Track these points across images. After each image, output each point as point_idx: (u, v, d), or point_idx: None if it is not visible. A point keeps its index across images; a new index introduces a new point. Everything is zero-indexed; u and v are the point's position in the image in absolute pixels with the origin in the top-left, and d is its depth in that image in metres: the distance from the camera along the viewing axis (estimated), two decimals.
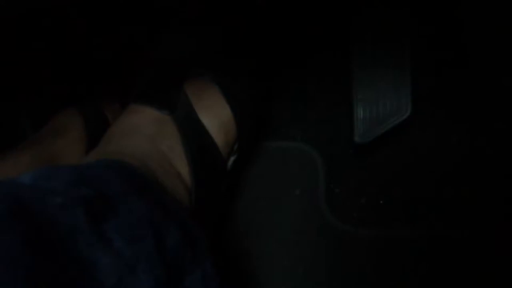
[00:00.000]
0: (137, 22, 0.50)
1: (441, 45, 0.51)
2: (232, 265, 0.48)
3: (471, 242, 0.48)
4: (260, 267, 0.49)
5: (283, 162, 0.51)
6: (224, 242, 0.49)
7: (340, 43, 0.51)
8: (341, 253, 0.49)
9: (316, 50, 0.52)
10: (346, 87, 0.50)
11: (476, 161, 0.50)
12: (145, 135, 0.40)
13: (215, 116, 0.43)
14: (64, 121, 0.47)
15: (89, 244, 0.25)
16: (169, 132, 0.41)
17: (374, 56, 0.50)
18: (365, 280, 0.48)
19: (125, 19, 0.49)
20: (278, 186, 0.51)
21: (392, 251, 0.48)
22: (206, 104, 0.43)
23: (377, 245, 0.49)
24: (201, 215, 0.40)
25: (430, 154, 0.50)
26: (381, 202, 0.50)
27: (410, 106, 0.48)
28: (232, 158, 0.46)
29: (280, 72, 0.53)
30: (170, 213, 0.32)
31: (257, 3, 0.50)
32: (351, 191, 0.50)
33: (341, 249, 0.49)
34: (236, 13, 0.48)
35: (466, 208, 0.49)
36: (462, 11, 0.50)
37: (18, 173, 0.41)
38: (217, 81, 0.44)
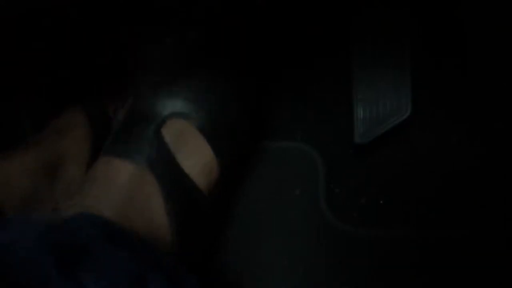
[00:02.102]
0: (138, 21, 0.50)
1: (441, 45, 0.51)
2: (232, 265, 0.48)
3: (471, 242, 0.48)
4: (260, 267, 0.49)
5: (283, 162, 0.51)
6: (224, 242, 0.49)
7: (340, 43, 0.51)
8: (341, 253, 0.49)
9: (316, 50, 0.52)
10: (346, 87, 0.50)
11: (476, 161, 0.50)
12: (122, 188, 0.38)
13: (196, 158, 0.41)
14: (69, 120, 0.47)
15: None
16: (147, 182, 0.39)
17: (374, 56, 0.50)
18: (365, 280, 0.48)
19: (125, 19, 0.49)
20: (278, 186, 0.50)
21: (392, 251, 0.48)
22: (186, 147, 0.41)
23: (377, 245, 0.49)
24: (188, 255, 0.40)
25: (430, 154, 0.50)
26: (381, 202, 0.50)
27: (410, 106, 0.48)
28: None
29: (280, 72, 0.53)
30: (150, 261, 0.32)
31: (257, 3, 0.50)
32: (351, 191, 0.50)
33: (341, 249, 0.49)
34: (236, 13, 0.48)
35: (466, 208, 0.49)
36: (462, 11, 0.50)
37: (23, 174, 0.42)
38: (196, 122, 0.41)
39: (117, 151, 0.40)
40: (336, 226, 0.49)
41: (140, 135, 0.40)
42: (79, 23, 0.48)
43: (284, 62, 0.53)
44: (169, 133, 0.41)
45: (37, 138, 0.45)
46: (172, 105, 0.41)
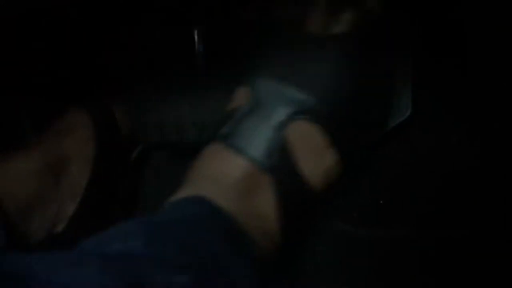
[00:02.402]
0: (138, 21, 0.50)
1: (441, 45, 0.51)
2: None
3: (471, 242, 0.48)
4: None
5: None
6: None
7: None
8: (341, 253, 0.49)
9: None
10: None
11: (476, 161, 0.50)
12: (236, 188, 0.35)
13: (318, 162, 0.38)
14: (72, 120, 0.47)
15: None
16: (261, 183, 0.36)
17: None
18: (365, 280, 0.48)
19: (126, 18, 0.49)
20: None
21: (392, 251, 0.48)
22: (308, 150, 0.37)
23: (377, 245, 0.49)
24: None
25: (430, 154, 0.50)
26: (381, 202, 0.50)
27: (410, 106, 0.48)
28: None
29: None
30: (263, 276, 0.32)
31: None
32: (351, 191, 0.50)
33: (341, 249, 0.49)
34: None
35: (466, 208, 0.49)
36: (462, 11, 0.50)
37: (27, 174, 0.41)
38: (322, 124, 0.37)
39: (234, 142, 0.37)
40: (336, 226, 0.49)
41: (260, 132, 0.37)
42: (79, 23, 0.48)
43: None
44: (291, 133, 0.37)
45: (40, 138, 0.45)
46: (301, 101, 0.37)
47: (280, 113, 0.37)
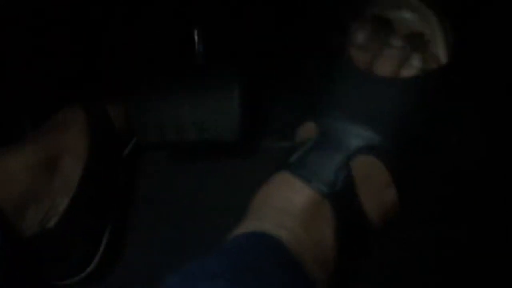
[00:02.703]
0: (138, 21, 0.50)
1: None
2: None
3: (471, 242, 0.48)
4: None
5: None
6: (221, 242, 0.49)
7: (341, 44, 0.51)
8: None
9: (315, 50, 0.52)
10: None
11: (476, 162, 0.50)
12: (300, 217, 0.36)
13: (379, 198, 0.39)
14: (67, 116, 0.47)
15: None
16: (325, 216, 0.37)
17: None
18: (365, 280, 0.48)
19: (126, 18, 0.49)
20: None
21: (392, 251, 0.48)
22: (371, 185, 0.38)
23: (377, 245, 0.49)
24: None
25: (430, 154, 0.50)
26: None
27: None
28: None
29: (283, 74, 0.53)
30: None
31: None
32: None
33: None
34: None
35: (467, 208, 0.49)
36: (462, 11, 0.50)
37: (22, 169, 0.42)
38: (389, 160, 0.38)
39: (301, 172, 0.38)
40: None
41: (328, 162, 0.38)
42: (79, 23, 0.48)
43: (284, 62, 0.53)
44: (358, 167, 0.38)
45: (35, 133, 0.46)
46: (368, 137, 0.38)
47: (349, 145, 0.38)
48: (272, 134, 0.52)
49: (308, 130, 0.41)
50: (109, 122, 0.49)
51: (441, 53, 0.41)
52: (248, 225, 0.37)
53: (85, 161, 0.46)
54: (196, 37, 0.49)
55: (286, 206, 0.37)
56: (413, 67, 0.40)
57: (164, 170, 0.54)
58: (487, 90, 0.50)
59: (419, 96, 0.40)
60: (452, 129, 0.47)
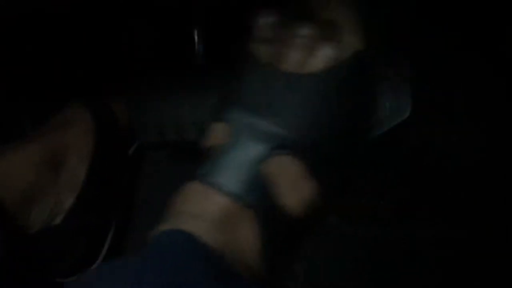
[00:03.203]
0: (139, 21, 0.50)
1: (441, 45, 0.51)
2: None
3: (471, 242, 0.48)
4: None
5: None
6: None
7: None
8: (340, 253, 0.49)
9: None
10: None
11: (476, 161, 0.50)
12: (217, 224, 0.35)
13: (302, 199, 0.38)
14: (71, 114, 0.47)
15: None
16: (245, 221, 0.36)
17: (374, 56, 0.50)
18: (365, 280, 0.48)
19: (127, 18, 0.49)
20: None
21: (392, 251, 0.48)
22: (289, 183, 0.37)
23: (377, 245, 0.49)
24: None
25: (430, 154, 0.50)
26: (381, 202, 0.50)
27: (410, 106, 0.48)
28: None
29: None
30: None
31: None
32: (351, 191, 0.50)
33: (341, 249, 0.49)
34: None
35: (467, 208, 0.49)
36: (462, 11, 0.50)
37: (26, 167, 0.42)
38: (305, 157, 0.37)
39: (214, 181, 0.36)
40: (336, 226, 0.49)
41: (240, 168, 0.37)
42: (80, 23, 0.48)
43: None
44: (270, 167, 0.37)
45: (40, 132, 0.46)
46: (280, 136, 0.37)
47: (258, 148, 0.37)
48: None
49: (219, 132, 0.40)
50: (114, 121, 0.49)
51: (354, 40, 0.39)
52: (165, 226, 0.36)
53: (91, 159, 0.46)
54: (196, 37, 0.49)
55: (201, 215, 0.36)
56: (323, 56, 0.38)
57: (164, 170, 0.54)
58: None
59: (329, 87, 0.38)
60: (364, 117, 0.45)
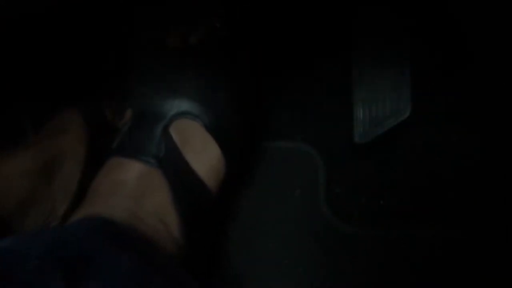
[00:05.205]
0: (138, 23, 0.50)
1: (441, 45, 0.51)
2: (232, 265, 0.48)
3: (471, 242, 0.48)
4: (260, 267, 0.49)
5: (283, 162, 0.51)
6: (224, 242, 0.49)
7: (340, 44, 0.51)
8: (341, 253, 0.49)
9: (316, 51, 0.53)
10: (346, 87, 0.50)
11: (476, 161, 0.50)
12: (131, 188, 0.39)
13: (204, 157, 0.42)
14: (65, 121, 0.47)
15: None
16: (157, 185, 0.40)
17: (374, 56, 0.50)
18: (365, 280, 0.48)
19: (125, 20, 0.49)
20: (278, 187, 0.50)
21: (393, 252, 0.48)
22: (193, 146, 0.42)
23: (378, 245, 0.49)
24: (193, 254, 0.41)
25: (430, 154, 0.50)
26: (381, 202, 0.50)
27: (410, 106, 0.48)
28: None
29: (281, 73, 0.53)
30: (154, 263, 0.33)
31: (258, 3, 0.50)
32: (351, 191, 0.50)
33: (341, 249, 0.49)
34: (237, 14, 0.48)
35: (467, 208, 0.49)
36: (462, 11, 0.50)
37: (21, 175, 0.42)
38: (204, 121, 0.42)
39: (125, 152, 0.41)
40: (337, 226, 0.49)
41: (148, 135, 0.41)
42: (77, 25, 0.48)
43: (285, 62, 0.53)
44: (176, 132, 0.42)
45: (33, 139, 0.45)
46: (178, 105, 0.42)
47: (163, 116, 0.42)
48: (272, 134, 0.52)
49: (128, 116, 0.44)
50: (107, 126, 0.49)
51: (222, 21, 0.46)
52: (79, 214, 0.39)
53: (84, 166, 0.46)
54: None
55: (116, 188, 0.39)
56: (197, 35, 0.44)
57: None
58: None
59: (211, 60, 0.44)
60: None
